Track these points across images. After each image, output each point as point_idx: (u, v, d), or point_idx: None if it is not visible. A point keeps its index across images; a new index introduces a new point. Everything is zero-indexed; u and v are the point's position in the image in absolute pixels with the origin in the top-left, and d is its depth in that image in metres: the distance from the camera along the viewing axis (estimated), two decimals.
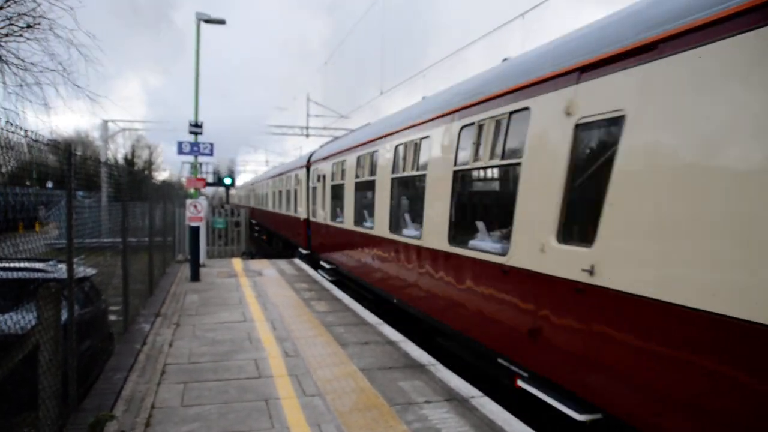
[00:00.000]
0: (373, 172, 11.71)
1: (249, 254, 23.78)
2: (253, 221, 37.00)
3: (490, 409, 6.05)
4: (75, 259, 5.79)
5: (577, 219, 5.36)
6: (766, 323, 3.48)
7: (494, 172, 7.56)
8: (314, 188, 18.31)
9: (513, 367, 6.23)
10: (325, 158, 16.91)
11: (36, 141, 4.65)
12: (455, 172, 7.77)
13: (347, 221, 13.80)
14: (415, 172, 9.48)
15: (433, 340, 9.21)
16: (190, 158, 16.52)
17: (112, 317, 8.45)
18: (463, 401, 6.27)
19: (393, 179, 10.55)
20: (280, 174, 26.87)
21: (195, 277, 15.16)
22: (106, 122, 38.74)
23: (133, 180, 10.20)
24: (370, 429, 5.50)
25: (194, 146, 15.85)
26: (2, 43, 12.70)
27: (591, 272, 4.86)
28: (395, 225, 10.44)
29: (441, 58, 19.67)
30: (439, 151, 8.36)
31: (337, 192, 15.06)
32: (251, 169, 72.85)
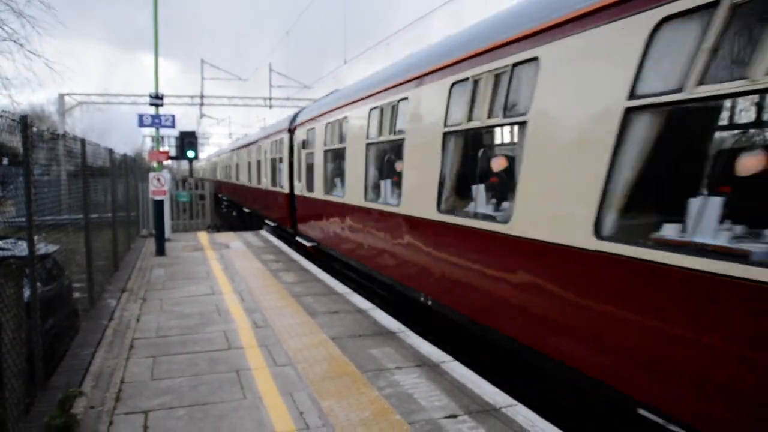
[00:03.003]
0: None
1: (214, 227, 23.53)
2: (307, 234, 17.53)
3: (460, 373, 6.14)
4: (35, 237, 5.66)
5: None
6: None
7: None
8: None
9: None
10: None
11: None
12: None
13: None
14: None
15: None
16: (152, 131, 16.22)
17: (77, 294, 8.32)
18: (434, 366, 6.36)
19: None
20: None
21: (160, 251, 14.97)
22: (62, 96, 37.72)
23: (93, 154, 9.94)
24: (342, 396, 5.55)
25: (155, 118, 15.53)
26: None
27: None
28: None
29: (404, 26, 19.49)
30: None
31: None
32: (215, 142, 71.92)
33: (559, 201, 5.08)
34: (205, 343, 7.25)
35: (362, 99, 10.36)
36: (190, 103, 39.72)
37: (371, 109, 9.79)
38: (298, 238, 15.52)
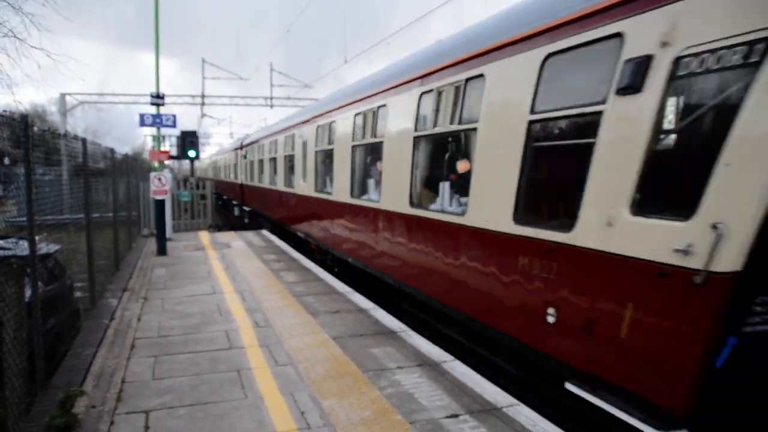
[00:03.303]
0: None
1: (216, 227, 23.54)
2: None
3: (461, 372, 6.14)
4: (37, 237, 5.66)
5: None
6: None
7: None
8: None
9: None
10: None
11: None
12: None
13: None
14: None
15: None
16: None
17: (79, 293, 8.32)
18: (435, 365, 6.35)
19: None
20: None
21: (162, 251, 14.98)
22: (63, 95, 37.73)
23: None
24: (343, 396, 5.55)
25: (156, 118, 15.53)
26: None
27: None
28: None
29: (405, 25, 19.49)
30: None
31: None
32: (215, 142, 71.95)
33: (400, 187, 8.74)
34: (207, 343, 7.25)
35: (268, 136, 21.46)
36: (191, 102, 39.70)
37: (282, 138, 18.64)
38: (244, 207, 28.91)
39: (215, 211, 26.88)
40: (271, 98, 38.87)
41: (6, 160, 6.31)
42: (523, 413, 5.14)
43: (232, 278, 11.48)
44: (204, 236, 19.42)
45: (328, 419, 5.05)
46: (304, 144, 14.88)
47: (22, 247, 5.66)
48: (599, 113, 4.66)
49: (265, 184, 21.18)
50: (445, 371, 6.18)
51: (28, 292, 5.24)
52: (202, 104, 39.74)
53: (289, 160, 17.10)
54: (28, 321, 5.20)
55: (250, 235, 19.59)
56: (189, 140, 24.34)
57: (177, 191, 23.12)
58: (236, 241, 17.87)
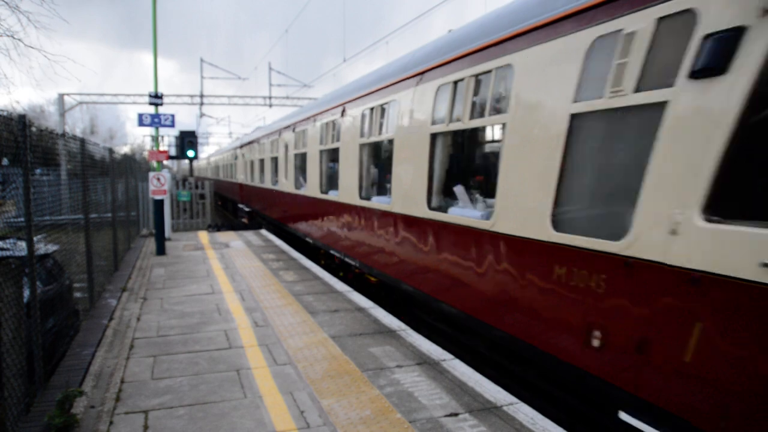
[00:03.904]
0: None
1: (215, 227, 23.54)
2: None
3: (461, 371, 6.14)
4: (35, 237, 5.65)
5: None
6: None
7: None
8: None
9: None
10: None
11: None
12: None
13: None
14: None
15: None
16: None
17: (78, 294, 8.31)
18: (434, 364, 6.35)
19: None
20: None
21: (161, 250, 14.97)
22: (62, 95, 37.71)
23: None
24: (342, 395, 5.54)
25: (155, 117, 15.51)
26: None
27: None
28: None
29: (404, 24, 19.54)
30: None
31: None
32: (214, 142, 72.10)
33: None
34: (206, 342, 7.24)
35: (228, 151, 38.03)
36: (189, 102, 39.70)
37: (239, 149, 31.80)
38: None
39: (214, 210, 26.87)
40: (270, 98, 38.89)
41: (5, 161, 6.30)
42: (523, 411, 5.14)
43: (231, 278, 11.47)
44: (203, 236, 19.41)
45: (328, 418, 5.04)
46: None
47: (20, 248, 5.65)
48: None
49: None
50: (444, 370, 6.18)
51: (26, 293, 5.23)
52: (201, 104, 39.77)
53: None
54: (26, 321, 5.19)
55: (249, 234, 19.58)
56: (188, 140, 24.36)
57: (176, 191, 23.12)
58: (235, 240, 17.87)
